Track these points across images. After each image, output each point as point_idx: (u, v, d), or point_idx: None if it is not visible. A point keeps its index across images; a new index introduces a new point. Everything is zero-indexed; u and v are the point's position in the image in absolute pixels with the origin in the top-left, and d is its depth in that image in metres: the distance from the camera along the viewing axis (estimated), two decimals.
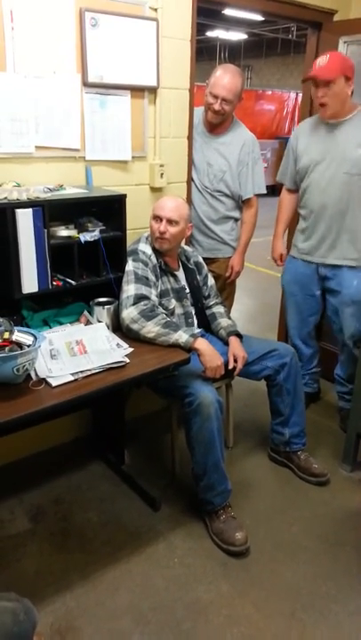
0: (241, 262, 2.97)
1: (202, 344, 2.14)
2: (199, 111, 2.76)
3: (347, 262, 2.66)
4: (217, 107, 2.62)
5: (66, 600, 1.90)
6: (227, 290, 3.00)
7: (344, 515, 2.35)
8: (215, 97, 2.60)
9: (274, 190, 3.56)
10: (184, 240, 2.48)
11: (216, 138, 2.77)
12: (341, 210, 2.58)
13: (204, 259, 2.67)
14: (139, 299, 2.18)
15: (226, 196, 2.81)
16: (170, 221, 2.27)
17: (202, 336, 2.26)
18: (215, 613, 1.87)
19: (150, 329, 2.12)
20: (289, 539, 2.21)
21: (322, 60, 2.42)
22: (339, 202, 2.57)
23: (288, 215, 2.96)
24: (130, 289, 2.21)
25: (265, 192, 2.90)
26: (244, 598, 1.93)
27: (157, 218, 2.29)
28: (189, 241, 2.82)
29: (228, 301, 2.97)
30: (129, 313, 2.16)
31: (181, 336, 2.11)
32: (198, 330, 2.48)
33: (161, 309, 2.28)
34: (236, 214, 2.90)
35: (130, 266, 2.27)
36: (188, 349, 2.12)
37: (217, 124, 2.72)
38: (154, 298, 2.26)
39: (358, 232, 2.60)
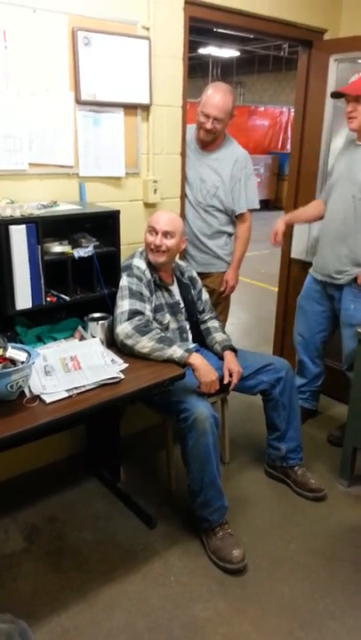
0: (235, 277, 2.98)
1: (196, 359, 2.14)
2: (192, 128, 2.79)
3: (346, 284, 2.67)
4: (209, 126, 2.64)
5: (61, 620, 1.87)
6: (221, 304, 3.01)
7: (342, 530, 2.33)
8: (207, 116, 2.63)
9: (268, 205, 3.58)
10: (178, 255, 2.49)
11: (209, 154, 2.79)
12: (344, 232, 2.60)
13: (199, 273, 2.67)
14: (133, 314, 2.18)
15: (219, 211, 2.82)
16: (165, 234, 2.28)
17: (196, 351, 2.26)
18: (212, 632, 1.84)
19: (145, 344, 2.12)
20: (286, 555, 2.19)
21: (353, 78, 2.57)
22: (342, 223, 2.60)
23: (307, 213, 2.91)
24: (124, 304, 2.21)
25: (258, 207, 2.92)
26: (241, 616, 1.91)
27: (153, 231, 2.30)
28: (183, 256, 2.83)
29: (222, 316, 2.98)
30: (123, 328, 2.16)
31: (176, 351, 2.11)
32: (193, 345, 2.47)
33: (155, 324, 2.28)
34: (229, 229, 2.91)
35: (124, 281, 2.27)
36: (183, 364, 2.11)
37: (209, 141, 2.75)
38: (148, 313, 2.25)
39: (359, 257, 2.60)
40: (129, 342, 2.14)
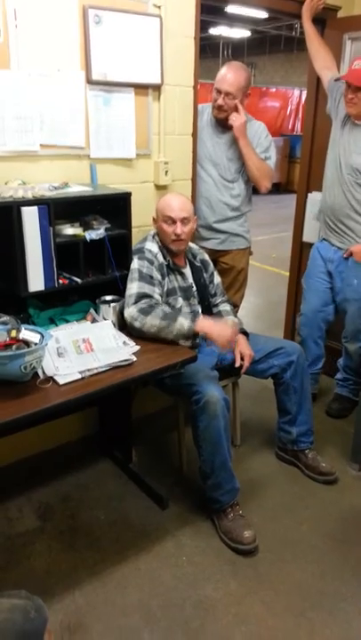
0: None
1: (204, 323, 2.15)
2: (208, 107, 2.77)
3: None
4: (220, 101, 2.64)
5: (75, 597, 1.90)
6: (239, 281, 2.99)
7: (352, 513, 2.34)
8: (219, 92, 2.63)
9: (279, 188, 3.54)
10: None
11: (231, 132, 2.74)
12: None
13: (218, 251, 2.66)
14: (140, 297, 2.18)
15: (246, 183, 2.82)
16: (183, 220, 2.27)
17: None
18: (224, 612, 1.87)
19: (151, 323, 2.11)
20: (297, 537, 2.20)
21: (358, 64, 2.48)
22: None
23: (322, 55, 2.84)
24: (133, 287, 2.20)
25: (273, 168, 2.87)
26: (252, 597, 1.93)
27: (169, 220, 2.28)
28: (201, 235, 2.83)
29: (239, 293, 2.99)
30: (130, 311, 2.15)
31: (183, 325, 2.11)
32: (196, 308, 2.43)
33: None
34: (248, 208, 2.92)
35: (135, 264, 2.26)
36: (195, 334, 2.11)
37: (225, 119, 2.71)
38: (157, 296, 2.24)
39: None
40: (136, 324, 2.13)
